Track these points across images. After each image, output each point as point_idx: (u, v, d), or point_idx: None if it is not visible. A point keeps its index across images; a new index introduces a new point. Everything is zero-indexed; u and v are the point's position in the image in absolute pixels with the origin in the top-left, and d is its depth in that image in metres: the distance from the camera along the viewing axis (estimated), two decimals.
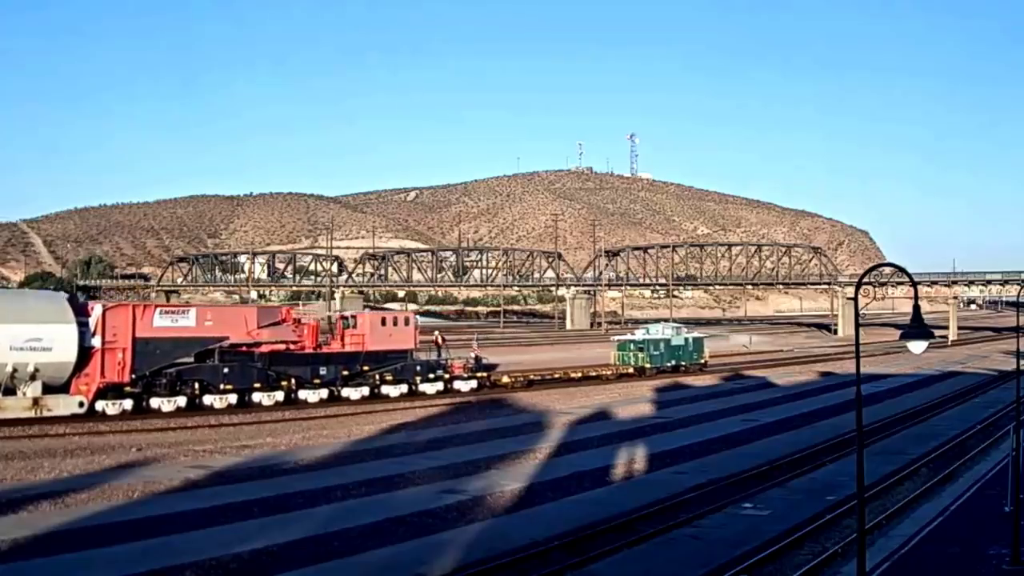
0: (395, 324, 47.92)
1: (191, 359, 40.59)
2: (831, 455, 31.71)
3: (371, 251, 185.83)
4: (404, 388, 46.81)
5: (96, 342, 36.74)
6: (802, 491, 26.16)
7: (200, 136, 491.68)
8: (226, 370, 40.53)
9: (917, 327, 12.12)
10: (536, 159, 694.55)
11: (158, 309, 39.64)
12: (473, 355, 53.04)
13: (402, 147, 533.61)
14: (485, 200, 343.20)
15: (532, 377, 55.31)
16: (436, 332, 54.84)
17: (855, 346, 13.33)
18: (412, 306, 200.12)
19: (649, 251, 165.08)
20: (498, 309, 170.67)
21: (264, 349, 42.28)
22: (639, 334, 65.61)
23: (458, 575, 17.31)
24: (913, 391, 55.76)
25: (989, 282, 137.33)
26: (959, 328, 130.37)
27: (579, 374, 58.42)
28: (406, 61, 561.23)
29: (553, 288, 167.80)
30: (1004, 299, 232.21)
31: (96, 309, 37.46)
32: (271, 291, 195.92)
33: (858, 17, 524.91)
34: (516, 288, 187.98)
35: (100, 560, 17.52)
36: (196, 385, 39.62)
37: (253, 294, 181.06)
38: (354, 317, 48.07)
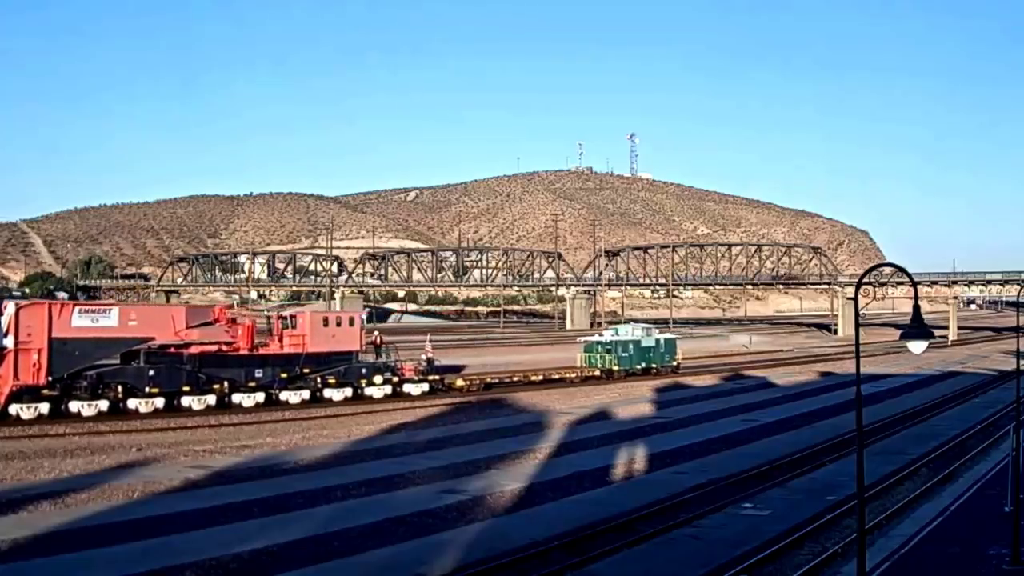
0: (338, 325, 45.63)
1: (117, 361, 38.82)
2: (831, 455, 31.71)
3: (371, 251, 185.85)
4: (348, 392, 44.64)
5: (8, 342, 34.93)
6: (802, 491, 26.16)
7: (200, 136, 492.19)
8: (152, 372, 38.45)
9: (917, 327, 12.11)
10: (536, 159, 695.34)
11: (76, 308, 37.72)
12: (425, 357, 50.51)
13: (402, 147, 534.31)
14: (485, 200, 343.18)
15: (489, 380, 52.65)
16: (375, 332, 51.62)
17: (855, 346, 13.32)
18: (412, 306, 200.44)
19: (649, 251, 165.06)
20: (498, 309, 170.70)
21: (194, 350, 40.26)
22: (607, 335, 63.48)
23: (458, 575, 17.31)
24: (913, 391, 55.76)
25: (989, 282, 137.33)
26: (959, 328, 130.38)
27: (540, 377, 55.90)
28: (406, 61, 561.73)
29: (553, 288, 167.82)
30: (1004, 299, 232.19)
31: (9, 308, 35.68)
32: (271, 291, 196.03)
33: (858, 17, 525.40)
34: (516, 288, 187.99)
35: (100, 560, 17.52)
36: (119, 388, 37.67)
37: (253, 294, 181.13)
38: (293, 317, 45.81)
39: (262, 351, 43.39)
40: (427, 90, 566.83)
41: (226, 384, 40.66)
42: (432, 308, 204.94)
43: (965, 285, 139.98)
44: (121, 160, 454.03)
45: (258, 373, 41.90)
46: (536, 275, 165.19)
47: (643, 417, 42.19)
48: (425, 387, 47.83)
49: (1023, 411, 20.95)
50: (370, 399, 44.84)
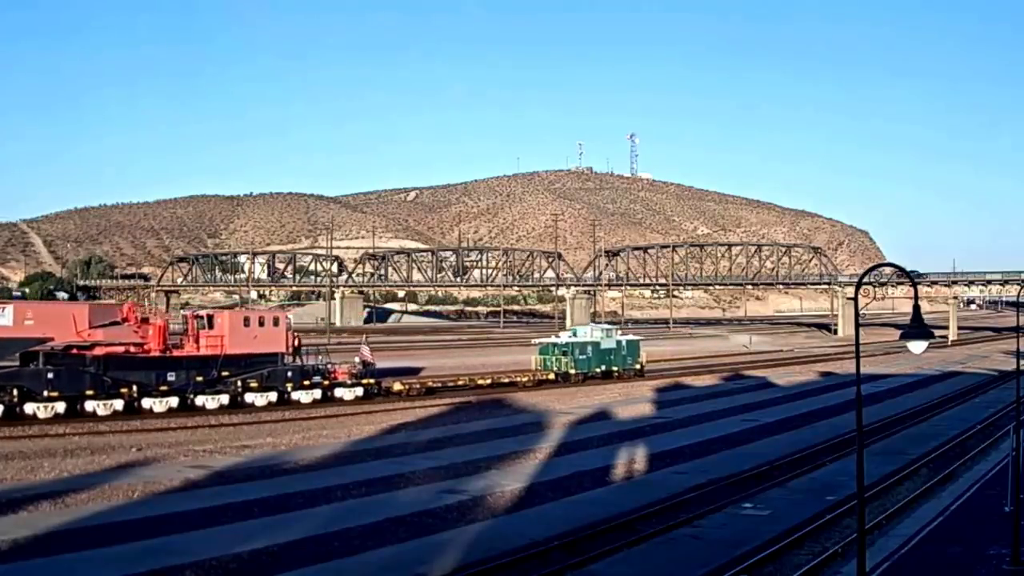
0: (261, 325, 42.87)
1: (16, 363, 36.87)
2: (831, 455, 31.70)
3: (371, 251, 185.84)
4: (273, 396, 42.18)
5: None
6: (802, 491, 26.15)
7: (200, 136, 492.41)
8: (51, 375, 36.03)
9: (917, 327, 12.11)
10: (536, 159, 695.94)
11: None
12: (360, 359, 47.65)
13: (402, 147, 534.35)
14: (485, 200, 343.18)
15: (432, 385, 50.14)
16: (293, 332, 46.88)
17: (855, 346, 13.32)
18: (412, 306, 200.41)
19: (649, 251, 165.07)
20: (498, 309, 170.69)
21: (99, 351, 37.91)
22: (563, 336, 60.50)
23: (458, 575, 17.31)
24: (913, 391, 55.76)
25: (989, 282, 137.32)
26: (959, 328, 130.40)
27: (488, 381, 52.71)
28: (406, 61, 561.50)
29: (553, 288, 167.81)
30: (1004, 299, 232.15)
31: None
32: (271, 291, 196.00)
33: (858, 17, 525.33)
34: (516, 288, 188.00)
35: (100, 560, 17.51)
36: (15, 392, 35.35)
37: (253, 294, 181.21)
38: (210, 316, 42.85)
39: (176, 353, 40.78)
40: (427, 90, 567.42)
41: (135, 388, 38.09)
42: (432, 308, 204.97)
43: (965, 285, 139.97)
44: (121, 160, 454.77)
45: (170, 376, 39.29)
46: (536, 275, 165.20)
47: (643, 417, 42.19)
48: (359, 391, 45.29)
49: (1023, 411, 20.95)
50: (297, 404, 42.44)
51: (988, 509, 21.96)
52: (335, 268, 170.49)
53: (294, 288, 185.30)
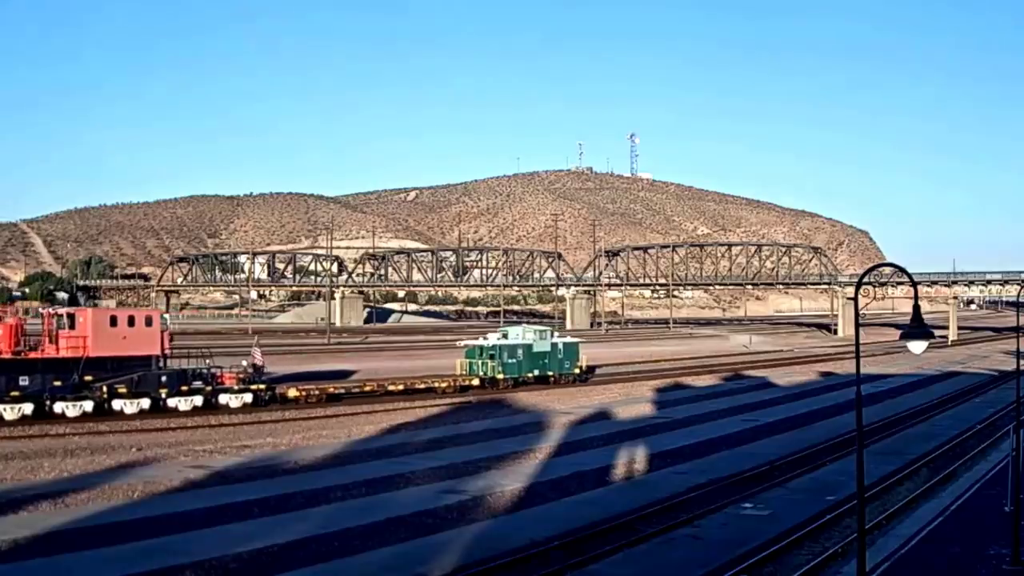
0: (131, 324, 39.06)
1: None
2: (831, 455, 31.69)
3: (371, 251, 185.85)
4: (146, 403, 38.37)
5: None
6: (802, 491, 26.14)
7: (200, 136, 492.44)
8: None
9: (917, 327, 12.11)
10: (536, 159, 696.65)
11: None
12: (247, 363, 44.14)
13: (402, 147, 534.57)
14: (485, 200, 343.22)
15: (333, 391, 45.94)
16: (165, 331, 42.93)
17: (855, 346, 13.32)
18: (412, 306, 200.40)
19: (649, 251, 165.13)
20: (498, 309, 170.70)
21: None
22: (492, 338, 54.82)
23: (458, 575, 17.31)
24: (913, 391, 55.75)
25: (989, 282, 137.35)
26: (959, 328, 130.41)
27: (400, 387, 48.53)
28: (406, 61, 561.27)
29: (553, 288, 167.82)
30: (1004, 299, 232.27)
31: None
32: (271, 291, 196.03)
33: (858, 17, 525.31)
34: (516, 288, 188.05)
35: (100, 560, 17.51)
36: None
37: (253, 294, 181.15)
38: (71, 315, 38.81)
39: (30, 355, 37.10)
40: (427, 90, 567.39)
41: None
42: (432, 308, 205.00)
43: (965, 285, 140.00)
44: (121, 160, 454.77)
45: (23, 381, 35.99)
46: (536, 275, 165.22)
47: (643, 417, 42.18)
48: (247, 398, 41.80)
49: (1023, 411, 20.94)
50: (175, 411, 38.93)
51: (988, 509, 21.95)
52: (335, 268, 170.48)
53: (294, 288, 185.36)
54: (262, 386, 42.92)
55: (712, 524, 22.03)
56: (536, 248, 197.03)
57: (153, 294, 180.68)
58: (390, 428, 37.20)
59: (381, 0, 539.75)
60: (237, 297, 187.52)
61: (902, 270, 15.11)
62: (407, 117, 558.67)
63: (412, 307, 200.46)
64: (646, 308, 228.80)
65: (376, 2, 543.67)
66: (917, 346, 12.15)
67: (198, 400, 40.22)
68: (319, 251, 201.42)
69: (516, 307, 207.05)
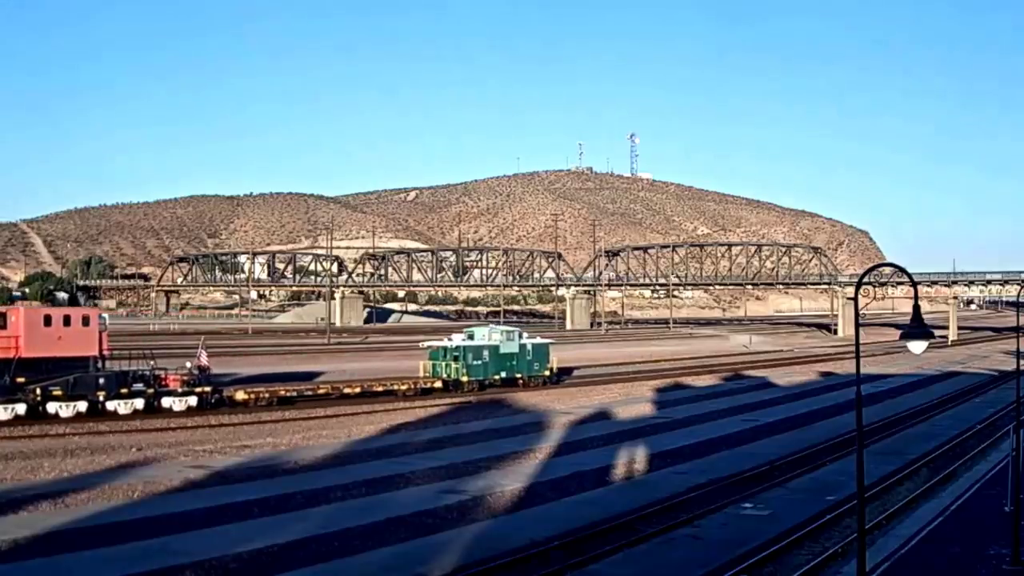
0: (67, 324, 37.26)
1: None
2: (831, 455, 31.69)
3: (371, 251, 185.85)
4: (83, 406, 36.60)
5: None
6: (802, 491, 26.14)
7: (200, 136, 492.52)
8: None
9: (917, 327, 12.11)
10: (536, 159, 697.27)
11: None
12: (191, 365, 42.27)
13: (402, 147, 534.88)
14: (485, 200, 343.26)
15: (284, 394, 44.21)
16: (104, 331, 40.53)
17: (855, 346, 13.32)
18: (412, 306, 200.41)
19: (649, 251, 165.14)
20: (498, 309, 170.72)
21: None
22: (457, 339, 52.99)
23: (458, 575, 17.31)
24: (913, 391, 55.76)
25: (989, 282, 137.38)
26: (959, 328, 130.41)
27: (357, 390, 46.69)
28: (406, 61, 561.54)
29: (553, 288, 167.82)
30: (1004, 299, 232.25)
31: None
32: (271, 291, 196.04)
33: (858, 18, 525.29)
34: (516, 288, 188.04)
35: (100, 560, 17.50)
36: None
37: (253, 294, 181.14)
38: (2, 315, 36.98)
39: None
40: (427, 90, 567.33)
41: None
42: (432, 308, 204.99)
43: (965, 285, 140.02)
44: (121, 160, 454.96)
45: None
46: (536, 275, 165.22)
47: (643, 417, 42.18)
48: (192, 401, 39.85)
49: (1023, 411, 20.94)
50: (114, 415, 37.13)
51: (988, 509, 21.96)
52: (335, 268, 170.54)
53: (294, 288, 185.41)
54: (207, 388, 40.90)
55: (712, 524, 22.02)
56: (536, 248, 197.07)
57: (153, 294, 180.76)
58: (390, 428, 37.19)
59: (381, 1, 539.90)
60: (237, 297, 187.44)
61: (902, 270, 15.11)
62: (407, 117, 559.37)
63: (412, 307, 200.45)
64: (646, 308, 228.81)
65: (376, 3, 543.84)
66: (917, 346, 12.15)
67: (139, 403, 38.26)
68: (319, 251, 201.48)
69: (516, 307, 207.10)
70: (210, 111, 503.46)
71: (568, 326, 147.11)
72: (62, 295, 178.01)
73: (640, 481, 27.71)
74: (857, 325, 12.88)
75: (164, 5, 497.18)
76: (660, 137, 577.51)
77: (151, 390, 39.11)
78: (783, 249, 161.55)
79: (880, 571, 16.76)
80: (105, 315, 43.73)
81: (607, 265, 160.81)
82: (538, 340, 56.71)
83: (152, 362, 40.73)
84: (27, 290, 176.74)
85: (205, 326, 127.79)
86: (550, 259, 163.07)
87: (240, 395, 42.28)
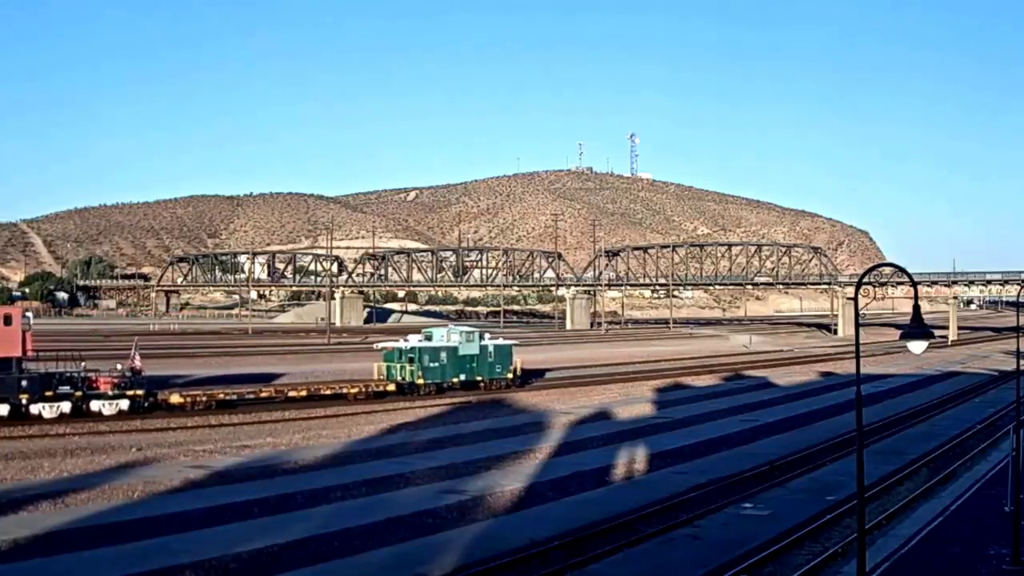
0: None
1: None
2: (831, 455, 31.70)
3: (371, 251, 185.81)
4: (4, 410, 35.06)
5: None
6: (802, 491, 26.15)
7: (200, 136, 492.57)
8: None
9: (917, 327, 12.11)
10: (536, 159, 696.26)
11: None
12: (125, 366, 40.36)
13: (402, 147, 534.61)
14: (485, 200, 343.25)
15: (223, 397, 41.83)
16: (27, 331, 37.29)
17: (855, 346, 13.33)
18: (412, 306, 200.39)
19: (649, 251, 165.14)
20: (498, 309, 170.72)
21: None
22: (413, 340, 50.46)
23: (458, 575, 17.31)
24: (913, 391, 55.77)
25: (989, 282, 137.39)
26: (959, 328, 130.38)
27: (303, 393, 44.75)
28: (406, 61, 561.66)
29: (553, 288, 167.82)
30: (1004, 299, 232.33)
31: None
32: (271, 291, 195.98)
33: (858, 18, 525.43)
34: (516, 288, 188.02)
35: (100, 560, 17.51)
36: None
37: (253, 294, 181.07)
38: None
39: None
40: (427, 90, 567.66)
41: None
42: (432, 308, 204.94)
43: (965, 285, 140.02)
44: (121, 160, 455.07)
45: None
46: (536, 275, 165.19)
47: (643, 417, 42.19)
48: (124, 404, 37.96)
49: (1023, 411, 20.95)
50: (39, 419, 35.52)
51: (988, 509, 21.97)
52: (335, 268, 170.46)
53: (294, 288, 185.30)
54: (140, 392, 38.81)
55: (712, 524, 22.03)
56: (536, 248, 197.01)
57: (153, 294, 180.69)
58: (390, 428, 37.20)
59: (382, 1, 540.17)
60: (237, 297, 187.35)
61: (902, 270, 15.12)
62: (407, 117, 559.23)
63: (412, 307, 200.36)
64: (646, 308, 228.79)
65: (377, 3, 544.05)
66: (917, 346, 12.15)
67: (66, 407, 36.54)
68: (319, 251, 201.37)
69: (516, 307, 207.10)
70: (210, 111, 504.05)
71: (568, 326, 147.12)
72: (62, 295, 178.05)
73: (640, 481, 27.72)
74: (857, 325, 12.88)
75: (165, 6, 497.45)
76: (660, 137, 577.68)
77: (79, 393, 37.11)
78: (783, 249, 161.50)
79: (880, 571, 16.77)
80: (30, 314, 42.23)
81: (607, 265, 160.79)
82: (500, 341, 54.93)
83: (82, 363, 38.88)
84: (27, 290, 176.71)
85: (205, 326, 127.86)
86: (550, 259, 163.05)
87: (175, 398, 40.27)
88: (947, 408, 47.77)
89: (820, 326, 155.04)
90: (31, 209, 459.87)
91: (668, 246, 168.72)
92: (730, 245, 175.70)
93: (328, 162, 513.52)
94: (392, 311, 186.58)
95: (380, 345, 53.54)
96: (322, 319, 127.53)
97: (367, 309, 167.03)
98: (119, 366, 40.67)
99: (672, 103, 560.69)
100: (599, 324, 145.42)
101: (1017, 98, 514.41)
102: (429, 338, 50.68)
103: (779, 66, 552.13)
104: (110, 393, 38.11)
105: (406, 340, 50.68)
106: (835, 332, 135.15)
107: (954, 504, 23.16)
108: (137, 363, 40.18)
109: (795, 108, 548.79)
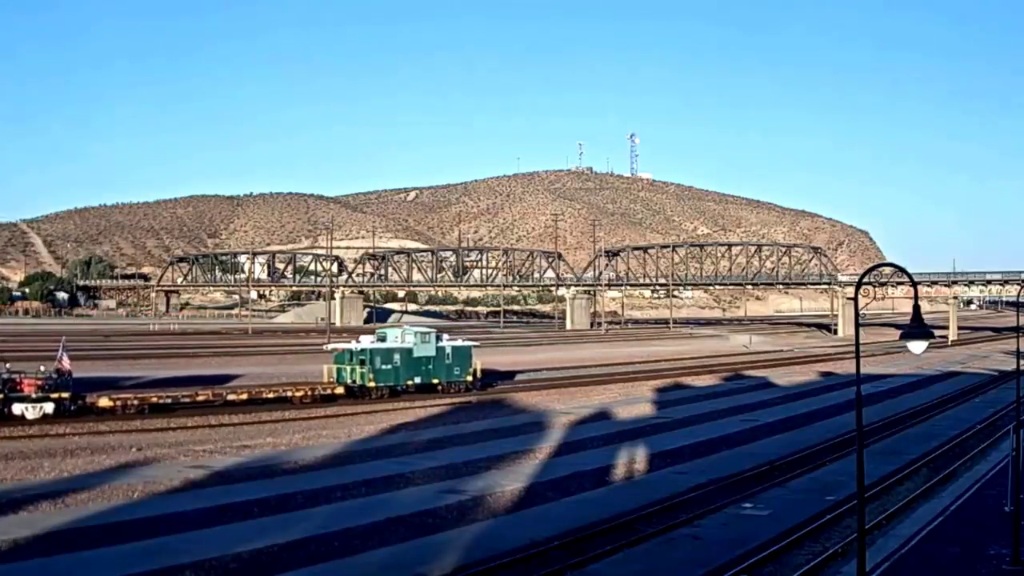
0: None
1: None
2: (831, 455, 31.71)
3: (371, 251, 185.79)
4: None
5: None
6: (802, 491, 26.15)
7: (200, 136, 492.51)
8: None
9: (917, 327, 12.12)
10: (536, 159, 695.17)
11: None
12: (50, 368, 38.03)
13: (402, 147, 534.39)
14: (485, 200, 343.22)
15: (156, 400, 39.65)
16: None
17: (855, 346, 13.33)
18: (412, 306, 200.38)
19: (649, 251, 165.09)
20: (498, 309, 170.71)
21: None
22: (365, 341, 48.50)
23: (458, 575, 17.31)
24: (913, 391, 55.77)
25: (989, 282, 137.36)
26: (959, 328, 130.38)
27: (244, 397, 42.40)
28: (406, 61, 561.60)
29: (553, 288, 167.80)
30: (1004, 299, 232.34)
31: None
32: (271, 291, 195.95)
33: (857, 18, 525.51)
34: (516, 288, 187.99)
35: (100, 560, 17.51)
36: None
37: (253, 294, 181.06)
38: None
39: None
40: (427, 90, 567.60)
41: None
42: (432, 308, 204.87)
43: (965, 285, 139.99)
44: (121, 160, 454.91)
45: None
46: (536, 275, 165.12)
47: (643, 417, 42.20)
48: (48, 408, 36.04)
49: (1023, 411, 20.95)
50: None
51: (988, 509, 21.97)
52: (335, 268, 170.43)
53: (294, 288, 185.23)
54: (66, 394, 36.77)
55: (712, 524, 22.03)
56: (536, 248, 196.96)
57: (153, 294, 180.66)
58: (390, 428, 37.21)
59: (382, 2, 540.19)
60: (237, 297, 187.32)
61: (902, 270, 15.12)
62: (407, 117, 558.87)
63: (412, 307, 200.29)
64: (646, 308, 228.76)
65: (377, 4, 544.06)
66: (917, 346, 12.16)
67: None
68: (319, 251, 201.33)
69: (516, 307, 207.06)
70: (210, 111, 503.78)
71: (568, 326, 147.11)
72: (62, 295, 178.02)
73: (640, 481, 27.73)
74: (857, 325, 12.88)
75: (165, 7, 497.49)
76: (660, 137, 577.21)
77: (1, 395, 35.51)
78: (783, 249, 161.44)
79: (880, 571, 16.77)
80: None
81: (607, 265, 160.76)
82: (459, 343, 52.64)
83: (6, 365, 37.64)
84: (27, 290, 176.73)
85: (205, 326, 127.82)
86: (550, 259, 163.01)
87: (104, 401, 38.08)
88: (947, 408, 47.77)
89: (820, 326, 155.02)
90: (31, 209, 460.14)
91: (668, 246, 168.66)
92: (730, 245, 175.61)
93: (328, 162, 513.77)
94: (392, 311, 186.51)
95: (331, 346, 51.73)
96: (322, 319, 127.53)
97: (367, 309, 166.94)
98: (42, 368, 38.23)
99: (672, 103, 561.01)
100: (599, 324, 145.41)
101: (1017, 98, 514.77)
102: (383, 339, 48.91)
103: (779, 66, 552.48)
104: (33, 396, 36.17)
105: (358, 341, 48.84)
106: (835, 332, 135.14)
107: (954, 504, 23.16)
108: (65, 364, 37.98)
109: (795, 108, 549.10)
